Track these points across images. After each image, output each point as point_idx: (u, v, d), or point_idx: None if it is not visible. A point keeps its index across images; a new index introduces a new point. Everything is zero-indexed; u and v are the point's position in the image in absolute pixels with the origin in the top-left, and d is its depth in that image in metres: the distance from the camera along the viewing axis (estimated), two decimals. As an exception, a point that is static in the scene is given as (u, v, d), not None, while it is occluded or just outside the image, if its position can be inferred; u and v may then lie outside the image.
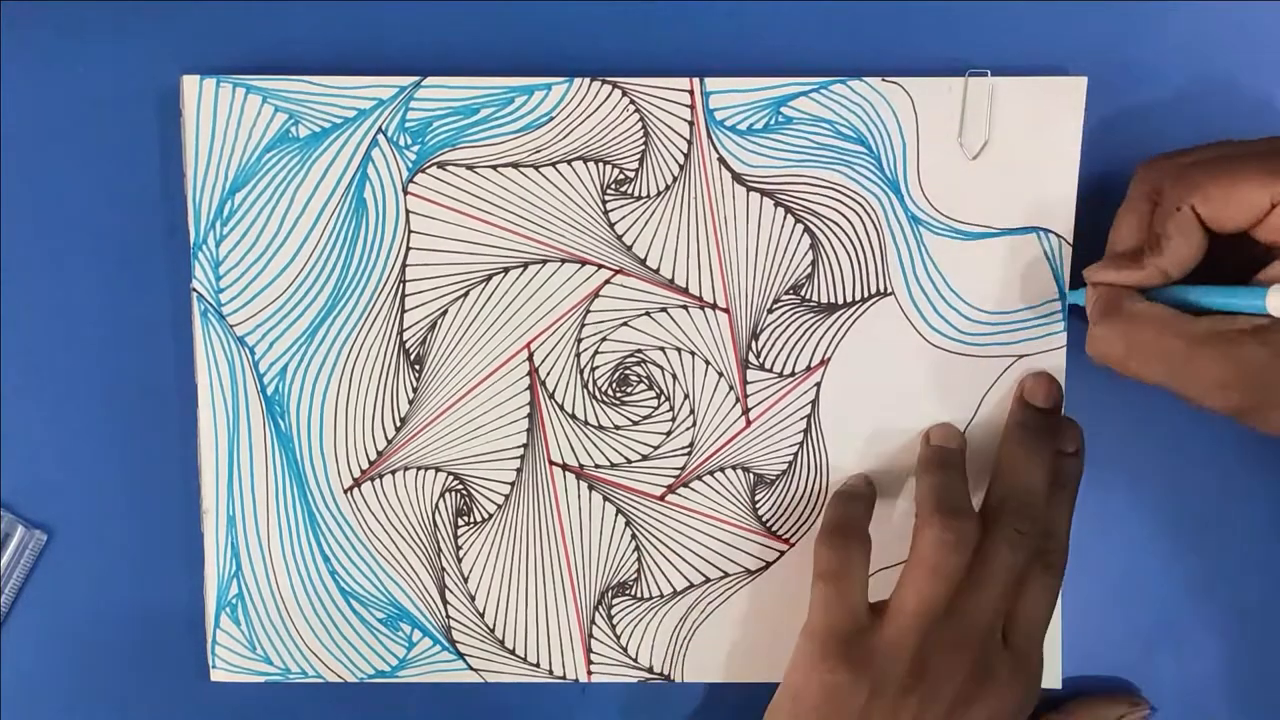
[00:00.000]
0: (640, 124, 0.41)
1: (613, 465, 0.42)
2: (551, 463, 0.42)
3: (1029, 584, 0.39)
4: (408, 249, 0.41)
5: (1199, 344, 0.35)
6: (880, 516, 0.41)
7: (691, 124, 0.41)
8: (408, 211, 0.41)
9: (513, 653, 0.43)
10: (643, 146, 0.41)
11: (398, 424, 0.42)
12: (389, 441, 0.42)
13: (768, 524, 0.42)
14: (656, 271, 0.41)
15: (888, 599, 0.38)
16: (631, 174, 0.41)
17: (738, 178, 0.41)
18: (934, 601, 0.37)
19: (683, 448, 0.42)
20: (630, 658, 0.43)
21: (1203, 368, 0.35)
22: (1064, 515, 0.40)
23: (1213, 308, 0.36)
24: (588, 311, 0.42)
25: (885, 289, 0.41)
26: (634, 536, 0.42)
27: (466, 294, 0.42)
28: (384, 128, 0.41)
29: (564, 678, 0.43)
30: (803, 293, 0.41)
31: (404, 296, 0.42)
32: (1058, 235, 0.41)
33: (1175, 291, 0.37)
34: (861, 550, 0.39)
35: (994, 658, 0.38)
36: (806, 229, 0.41)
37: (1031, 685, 0.39)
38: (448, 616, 0.43)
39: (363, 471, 0.42)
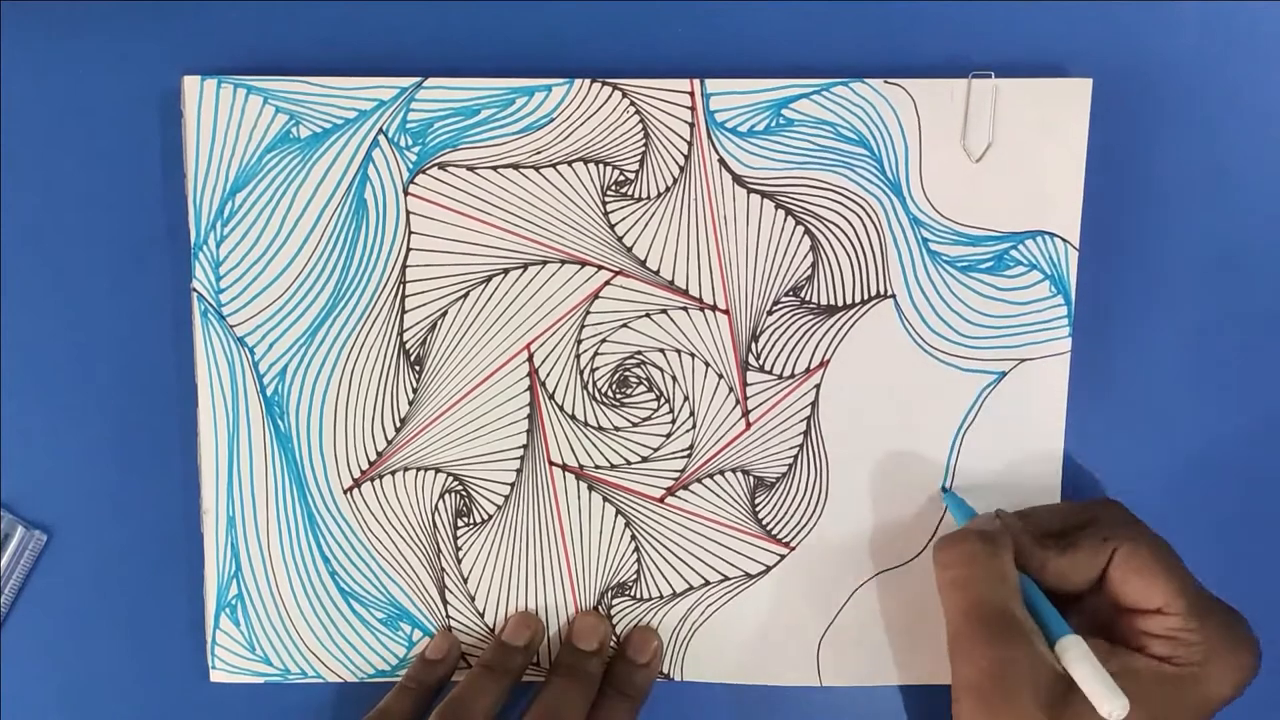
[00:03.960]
0: (640, 125, 0.41)
1: (613, 466, 0.42)
2: (551, 463, 0.42)
3: None
4: (408, 250, 0.41)
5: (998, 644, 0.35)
6: (883, 519, 0.41)
7: (692, 125, 0.41)
8: (408, 212, 0.41)
9: (512, 654, 0.43)
10: (643, 148, 0.41)
11: (398, 424, 0.42)
12: (389, 442, 0.42)
13: (768, 527, 0.42)
14: (656, 273, 0.41)
15: None
16: (632, 175, 0.41)
17: (738, 179, 0.41)
18: None
19: (682, 450, 0.42)
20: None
21: (974, 661, 0.36)
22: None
23: (1033, 612, 0.36)
24: (588, 313, 0.42)
25: (886, 291, 0.41)
26: (634, 538, 0.42)
27: (466, 295, 0.41)
28: (385, 128, 0.41)
29: (563, 679, 0.43)
30: (803, 294, 0.41)
31: (404, 297, 0.42)
32: (1062, 239, 0.41)
33: (1030, 590, 0.37)
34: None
35: None
36: (807, 231, 0.41)
37: None
38: (448, 617, 0.43)
39: (362, 472, 0.42)
